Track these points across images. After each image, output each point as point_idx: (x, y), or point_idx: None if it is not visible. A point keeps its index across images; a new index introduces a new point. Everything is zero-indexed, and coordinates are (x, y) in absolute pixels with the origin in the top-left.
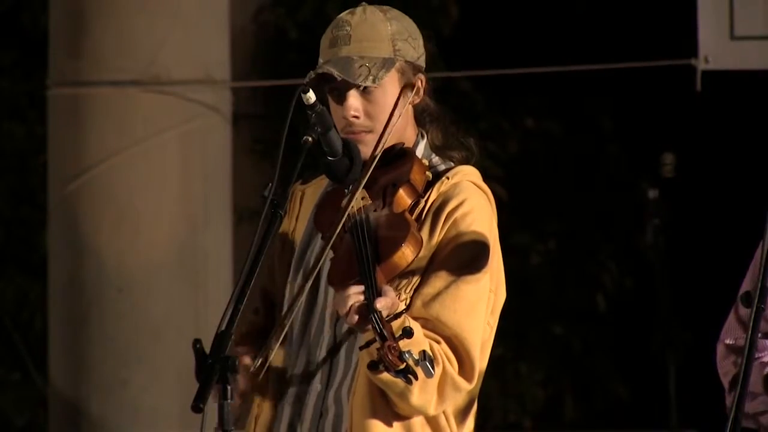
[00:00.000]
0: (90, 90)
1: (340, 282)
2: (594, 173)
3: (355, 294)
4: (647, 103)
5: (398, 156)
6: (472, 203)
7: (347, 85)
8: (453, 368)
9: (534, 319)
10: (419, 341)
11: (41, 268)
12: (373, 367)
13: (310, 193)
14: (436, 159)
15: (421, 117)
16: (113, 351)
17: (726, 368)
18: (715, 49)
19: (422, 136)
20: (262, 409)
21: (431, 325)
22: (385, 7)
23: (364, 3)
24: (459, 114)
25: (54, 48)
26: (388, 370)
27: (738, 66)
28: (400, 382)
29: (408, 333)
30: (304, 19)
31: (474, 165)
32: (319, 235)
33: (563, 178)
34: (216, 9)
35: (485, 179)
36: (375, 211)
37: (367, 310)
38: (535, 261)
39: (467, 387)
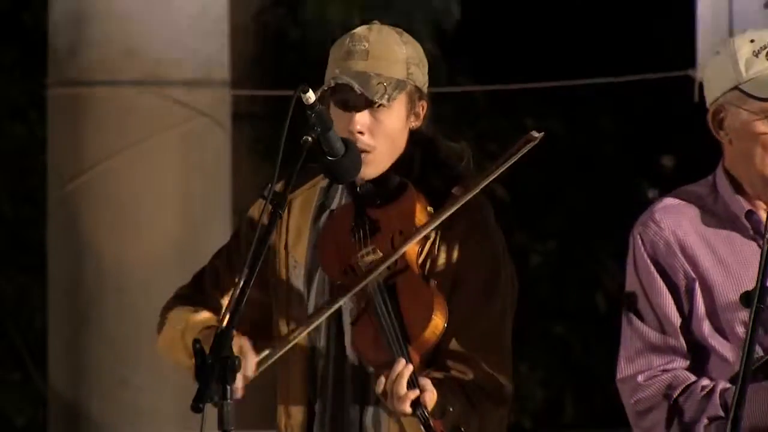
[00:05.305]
0: (90, 90)
1: (375, 358)
2: (594, 173)
3: (411, 392)
4: (646, 111)
5: (398, 191)
6: (472, 220)
7: (360, 100)
8: (484, 398)
9: (534, 320)
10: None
11: (41, 268)
12: None
13: (298, 205)
14: None
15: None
16: (113, 351)
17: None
18: None
19: None
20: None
21: (456, 358)
22: (399, 30)
23: (376, 21)
24: (459, 113)
25: (54, 48)
26: None
27: None
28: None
29: (444, 413)
30: (304, 20)
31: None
32: (322, 270)
33: (563, 178)
34: (216, 9)
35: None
36: (387, 266)
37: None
38: (535, 261)
39: (503, 410)
